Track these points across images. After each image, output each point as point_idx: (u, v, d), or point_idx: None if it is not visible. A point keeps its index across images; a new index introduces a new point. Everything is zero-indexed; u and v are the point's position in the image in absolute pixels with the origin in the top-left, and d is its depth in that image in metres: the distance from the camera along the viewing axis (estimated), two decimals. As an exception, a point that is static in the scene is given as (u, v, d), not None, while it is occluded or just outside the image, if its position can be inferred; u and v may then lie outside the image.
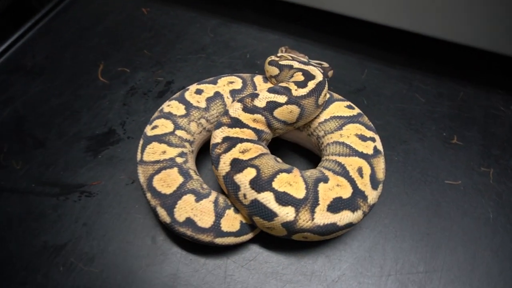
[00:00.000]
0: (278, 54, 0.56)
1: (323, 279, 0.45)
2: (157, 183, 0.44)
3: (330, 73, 0.56)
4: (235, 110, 0.45)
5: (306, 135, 0.51)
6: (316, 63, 0.58)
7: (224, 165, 0.42)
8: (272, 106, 0.45)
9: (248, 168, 0.41)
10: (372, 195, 0.42)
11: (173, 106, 0.51)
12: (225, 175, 0.42)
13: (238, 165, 0.41)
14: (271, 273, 0.45)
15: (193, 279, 0.45)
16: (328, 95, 0.51)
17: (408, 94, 0.63)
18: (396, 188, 0.52)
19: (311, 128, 0.49)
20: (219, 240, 0.42)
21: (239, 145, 0.43)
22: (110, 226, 0.50)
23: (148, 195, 0.44)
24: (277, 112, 0.45)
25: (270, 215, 0.39)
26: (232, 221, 0.43)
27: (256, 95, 0.46)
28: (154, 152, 0.47)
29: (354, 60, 0.69)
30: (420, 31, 0.64)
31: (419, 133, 0.58)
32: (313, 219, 0.39)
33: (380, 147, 0.46)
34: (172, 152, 0.47)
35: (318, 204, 0.39)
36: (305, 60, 0.57)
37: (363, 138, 0.45)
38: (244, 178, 0.40)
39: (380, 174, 0.44)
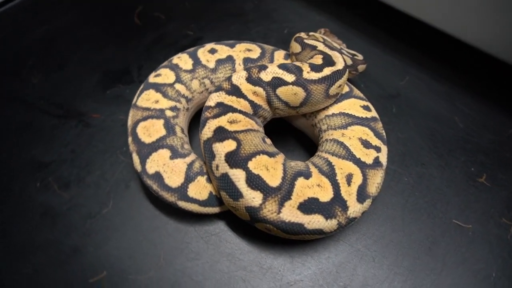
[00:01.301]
0: (310, 33, 0.51)
1: (278, 278, 0.41)
2: (141, 129, 0.43)
3: (361, 67, 0.51)
4: (238, 77, 0.42)
5: (310, 125, 0.47)
6: (350, 52, 0.52)
7: (208, 130, 0.39)
8: (276, 82, 0.41)
9: (230, 140, 0.38)
10: (355, 208, 0.37)
11: (182, 59, 0.48)
12: (206, 140, 0.39)
13: (221, 134, 0.38)
14: (228, 254, 0.42)
15: (150, 234, 0.44)
16: (346, 88, 0.45)
17: (446, 115, 0.55)
18: (393, 211, 0.46)
19: (317, 118, 0.45)
20: (182, 204, 0.40)
21: (229, 114, 0.40)
22: (94, 160, 0.50)
23: (130, 139, 0.43)
24: (280, 91, 0.41)
25: (236, 194, 0.36)
26: (201, 188, 0.41)
27: (265, 68, 0.42)
28: (148, 99, 0.46)
29: (398, 63, 0.62)
30: (484, 48, 0.55)
31: (443, 159, 0.50)
32: (279, 212, 0.35)
33: (383, 159, 0.40)
34: (164, 103, 0.45)
35: (290, 199, 0.35)
36: (338, 46, 0.52)
37: (366, 144, 0.40)
38: (222, 148, 0.37)
39: (372, 189, 0.38)
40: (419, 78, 0.59)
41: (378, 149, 0.40)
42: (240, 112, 0.41)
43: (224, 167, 0.37)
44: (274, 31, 0.66)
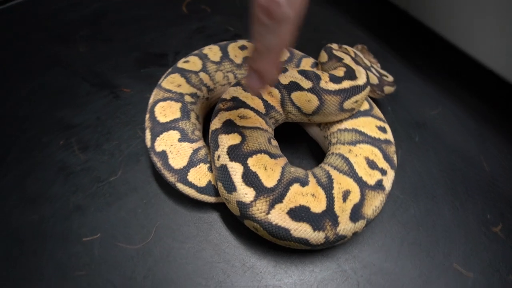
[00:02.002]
0: (343, 46, 0.50)
1: (258, 279, 0.41)
2: (158, 109, 0.45)
3: (388, 89, 0.49)
4: None
5: (323, 136, 0.46)
6: (380, 72, 0.51)
7: (218, 121, 0.40)
8: (293, 87, 0.41)
9: (236, 134, 0.39)
10: (345, 226, 0.36)
11: (212, 50, 0.50)
12: (214, 130, 0.40)
13: (228, 127, 0.39)
14: (215, 244, 0.43)
15: (147, 209, 0.45)
16: (366, 106, 0.44)
17: (473, 154, 0.52)
18: (391, 240, 0.44)
19: (329, 131, 0.44)
20: (180, 186, 0.42)
21: (241, 109, 0.41)
22: (115, 130, 0.53)
23: (147, 116, 0.46)
24: (295, 95, 0.41)
25: (231, 187, 0.37)
26: (201, 175, 0.42)
27: (285, 70, 0.42)
28: (172, 82, 0.48)
29: (433, 92, 0.59)
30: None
31: (458, 200, 0.47)
32: (268, 213, 0.35)
33: (387, 184, 0.39)
34: (186, 88, 0.47)
35: (281, 202, 0.35)
36: (368, 64, 0.51)
37: (372, 165, 0.39)
38: (227, 141, 0.38)
39: (369, 211, 0.37)
40: (452, 111, 0.56)
41: (383, 172, 0.39)
42: (252, 109, 0.41)
43: (224, 159, 0.37)
44: (312, 40, 0.66)
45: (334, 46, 0.48)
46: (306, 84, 0.40)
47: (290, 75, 0.41)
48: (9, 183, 0.48)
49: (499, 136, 0.53)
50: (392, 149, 0.41)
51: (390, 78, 0.50)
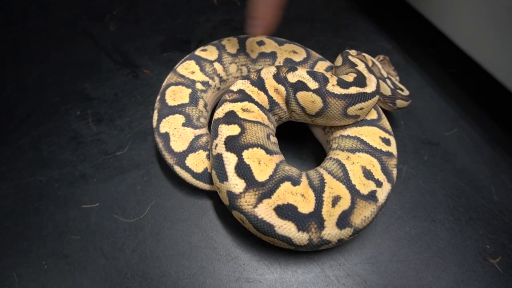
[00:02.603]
0: (362, 53, 0.50)
1: (239, 270, 0.42)
2: (169, 92, 0.47)
3: (400, 102, 0.48)
4: (267, 72, 0.43)
5: (326, 140, 0.46)
6: (397, 85, 0.50)
7: (221, 111, 0.41)
8: (299, 86, 0.41)
9: (236, 125, 0.39)
10: (331, 231, 0.36)
11: (230, 42, 0.51)
12: (216, 119, 0.41)
13: (230, 118, 0.40)
14: (203, 229, 0.44)
15: (146, 187, 0.47)
16: (374, 115, 0.43)
17: (483, 181, 0.50)
18: (380, 255, 0.43)
19: (332, 135, 0.44)
20: (177, 169, 0.43)
21: (246, 102, 0.41)
22: (129, 108, 0.55)
23: (158, 97, 0.47)
24: (300, 95, 0.41)
25: (223, 176, 0.37)
26: (198, 161, 0.43)
27: (294, 69, 0.42)
28: (187, 68, 0.49)
29: (452, 112, 0.57)
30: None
31: (458, 225, 0.46)
32: (255, 206, 0.36)
33: (381, 196, 0.38)
34: (198, 76, 0.48)
35: (270, 198, 0.36)
36: (385, 75, 0.50)
37: (368, 175, 0.38)
38: (226, 131, 0.39)
39: (357, 219, 0.37)
40: (469, 134, 0.54)
41: (378, 184, 0.38)
42: (256, 103, 0.42)
43: (221, 148, 0.38)
44: (335, 45, 0.65)
45: (352, 52, 0.48)
46: (313, 84, 0.40)
47: (298, 74, 0.41)
48: (26, 143, 0.51)
49: (514, 167, 0.51)
50: (392, 162, 0.40)
51: (406, 92, 0.49)
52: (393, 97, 0.47)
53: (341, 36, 0.67)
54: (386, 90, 0.47)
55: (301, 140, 0.52)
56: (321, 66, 0.49)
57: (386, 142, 0.42)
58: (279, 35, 0.66)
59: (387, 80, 0.48)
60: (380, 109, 0.46)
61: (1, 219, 0.45)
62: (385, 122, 0.44)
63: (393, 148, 0.41)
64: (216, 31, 0.67)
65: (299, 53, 0.50)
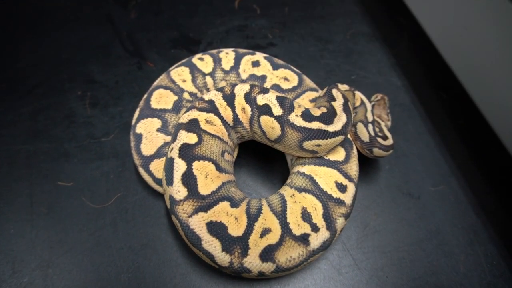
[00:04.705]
0: (355, 92, 0.48)
1: (179, 278, 0.44)
2: (156, 94, 0.49)
3: (377, 151, 0.46)
4: (240, 89, 0.43)
5: (291, 171, 0.46)
6: (383, 132, 0.48)
7: (186, 117, 0.42)
8: (264, 110, 0.41)
9: (194, 134, 0.40)
10: (252, 260, 0.36)
11: (227, 57, 0.52)
12: (179, 124, 0.42)
13: (192, 126, 0.41)
14: (156, 230, 0.46)
15: (120, 178, 0.50)
16: (341, 156, 0.43)
17: (454, 247, 0.47)
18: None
19: (292, 170, 0.44)
20: (141, 171, 0.45)
21: (211, 114, 0.42)
22: (125, 97, 0.58)
23: (145, 96, 0.49)
24: (263, 119, 0.41)
25: (170, 180, 0.39)
26: (160, 168, 0.44)
27: (266, 91, 0.42)
28: (180, 74, 0.50)
29: (444, 166, 0.54)
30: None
31: (410, 286, 0.45)
32: (190, 216, 0.37)
33: (314, 243, 0.37)
34: (188, 86, 0.49)
35: (205, 212, 0.37)
36: (376, 121, 0.49)
37: (306, 217, 0.38)
38: (184, 138, 0.40)
39: (282, 257, 0.36)
40: (455, 194, 0.51)
41: (315, 229, 0.38)
42: (221, 118, 0.42)
43: (174, 153, 0.39)
44: (342, 71, 0.64)
45: (342, 86, 0.46)
46: (277, 111, 0.40)
47: (267, 98, 0.41)
48: (27, 113, 0.56)
49: (492, 245, 0.48)
50: (339, 211, 0.40)
51: (388, 142, 0.47)
52: (371, 144, 0.46)
53: (351, 63, 0.65)
54: (364, 135, 0.46)
55: (275, 164, 0.52)
56: (308, 96, 0.49)
57: (341, 188, 0.41)
58: (289, 50, 0.66)
59: (369, 125, 0.47)
60: (353, 151, 0.45)
61: (-13, 178, 0.50)
62: (351, 166, 0.43)
63: (347, 196, 0.41)
64: (228, 36, 0.67)
65: (290, 81, 0.50)
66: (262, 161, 0.52)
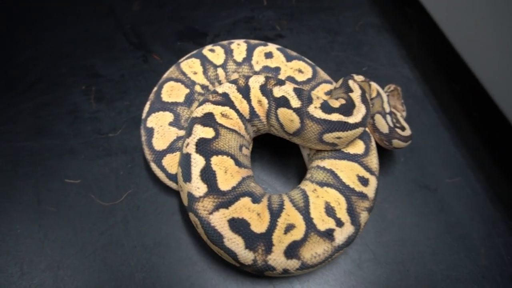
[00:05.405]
0: (370, 82, 0.47)
1: (195, 277, 0.42)
2: (166, 87, 0.47)
3: (396, 142, 0.45)
4: (255, 81, 0.41)
5: (308, 166, 0.45)
6: (400, 122, 0.47)
7: (200, 111, 0.40)
8: (282, 102, 0.39)
9: (211, 129, 0.39)
10: (277, 257, 0.35)
11: (239, 48, 0.50)
12: (194, 118, 0.40)
13: (207, 120, 0.39)
14: (170, 227, 0.45)
15: (128, 174, 0.48)
16: (360, 149, 0.41)
17: (475, 240, 0.47)
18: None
19: (311, 164, 0.43)
20: (153, 166, 0.43)
21: (227, 107, 0.40)
22: (131, 91, 0.56)
23: (155, 89, 0.48)
24: (281, 111, 0.39)
25: (187, 176, 0.37)
26: (174, 163, 0.42)
27: (282, 83, 0.41)
28: (190, 66, 0.49)
29: (459, 158, 0.54)
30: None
31: (432, 280, 0.44)
32: (210, 213, 0.35)
33: (339, 237, 0.36)
34: (200, 78, 0.48)
35: (227, 209, 0.35)
36: (392, 112, 0.47)
37: (330, 212, 0.37)
38: (200, 132, 0.38)
39: (307, 254, 0.35)
40: (472, 186, 0.51)
41: (339, 223, 0.37)
42: (237, 111, 0.41)
43: (191, 148, 0.38)
44: (352, 63, 0.62)
45: (357, 77, 0.45)
46: (295, 103, 0.39)
47: (284, 90, 0.40)
48: (28, 108, 0.54)
49: None
50: (363, 205, 0.39)
51: (407, 133, 0.46)
52: (390, 135, 0.45)
53: (362, 54, 0.64)
54: (383, 127, 0.45)
55: (290, 159, 0.51)
56: (323, 88, 0.47)
57: (363, 181, 0.40)
58: (298, 43, 0.65)
59: (387, 116, 0.46)
60: (371, 143, 0.43)
61: (-10, 177, 0.47)
62: (371, 159, 0.42)
63: (369, 190, 0.40)
64: (235, 28, 0.65)
65: (305, 73, 0.48)
66: (276, 155, 0.51)
